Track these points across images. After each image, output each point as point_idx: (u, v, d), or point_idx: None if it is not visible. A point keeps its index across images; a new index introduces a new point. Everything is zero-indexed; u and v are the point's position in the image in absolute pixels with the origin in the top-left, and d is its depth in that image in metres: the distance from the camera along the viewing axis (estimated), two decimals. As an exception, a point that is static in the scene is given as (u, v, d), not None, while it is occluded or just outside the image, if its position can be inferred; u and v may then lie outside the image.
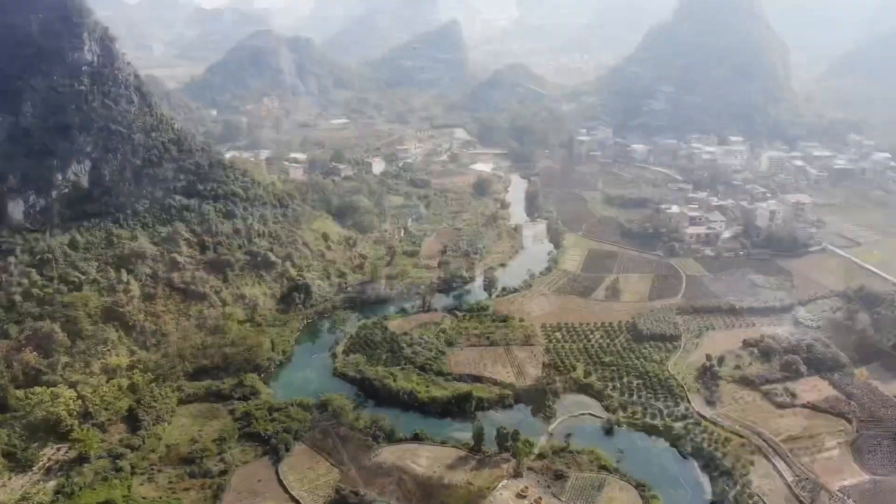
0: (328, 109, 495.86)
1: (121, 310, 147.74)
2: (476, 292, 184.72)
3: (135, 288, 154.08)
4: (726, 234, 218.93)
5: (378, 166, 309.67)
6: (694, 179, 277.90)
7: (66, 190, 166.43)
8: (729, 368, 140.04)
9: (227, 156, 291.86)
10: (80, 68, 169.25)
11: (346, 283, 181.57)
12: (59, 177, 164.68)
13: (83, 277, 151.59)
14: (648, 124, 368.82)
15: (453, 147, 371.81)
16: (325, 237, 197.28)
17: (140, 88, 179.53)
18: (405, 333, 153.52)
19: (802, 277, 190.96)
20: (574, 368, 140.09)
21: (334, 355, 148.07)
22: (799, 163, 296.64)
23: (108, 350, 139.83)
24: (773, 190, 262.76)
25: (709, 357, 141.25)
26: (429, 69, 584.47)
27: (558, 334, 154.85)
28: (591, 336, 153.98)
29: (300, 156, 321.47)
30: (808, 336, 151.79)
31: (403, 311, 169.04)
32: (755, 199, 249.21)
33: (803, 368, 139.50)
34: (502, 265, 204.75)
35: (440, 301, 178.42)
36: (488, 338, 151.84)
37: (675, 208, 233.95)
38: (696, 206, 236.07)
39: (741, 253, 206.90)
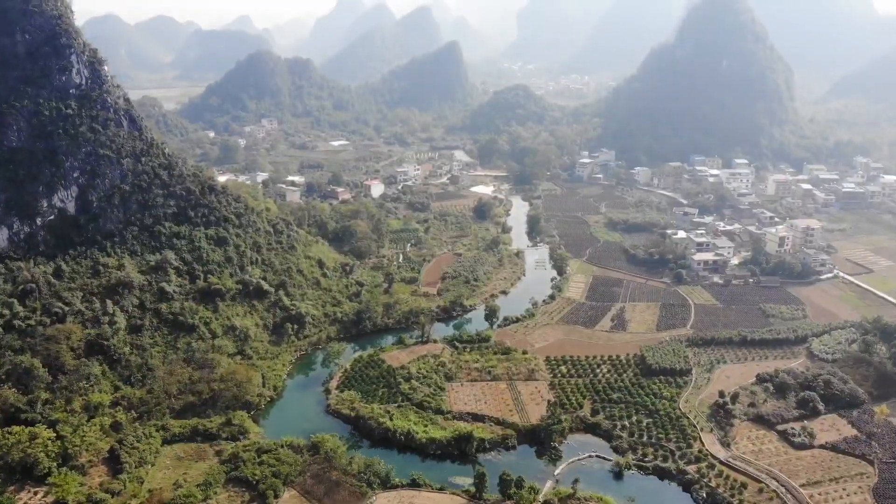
0: (327, 131, 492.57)
1: (105, 343, 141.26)
2: (477, 321, 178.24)
3: (121, 319, 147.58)
4: (734, 261, 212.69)
5: (377, 189, 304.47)
6: (699, 203, 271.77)
7: (52, 217, 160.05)
8: (743, 406, 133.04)
9: (222, 179, 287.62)
10: (67, 91, 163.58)
11: (341, 312, 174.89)
12: (45, 203, 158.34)
13: (67, 308, 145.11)
14: (651, 146, 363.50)
15: (453, 169, 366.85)
16: (321, 264, 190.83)
17: (130, 112, 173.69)
18: (402, 367, 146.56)
19: (814, 306, 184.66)
20: (581, 406, 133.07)
21: (328, 391, 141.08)
22: (806, 186, 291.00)
23: (91, 386, 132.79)
24: (780, 214, 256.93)
25: (721, 394, 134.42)
26: (429, 91, 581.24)
27: (563, 368, 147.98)
28: (598, 370, 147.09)
29: (297, 178, 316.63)
30: (825, 370, 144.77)
31: (401, 342, 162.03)
32: (763, 223, 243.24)
33: (821, 406, 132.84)
34: (504, 292, 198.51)
35: (439, 330, 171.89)
36: (490, 372, 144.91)
37: (681, 234, 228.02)
38: (703, 232, 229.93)
39: (751, 280, 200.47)
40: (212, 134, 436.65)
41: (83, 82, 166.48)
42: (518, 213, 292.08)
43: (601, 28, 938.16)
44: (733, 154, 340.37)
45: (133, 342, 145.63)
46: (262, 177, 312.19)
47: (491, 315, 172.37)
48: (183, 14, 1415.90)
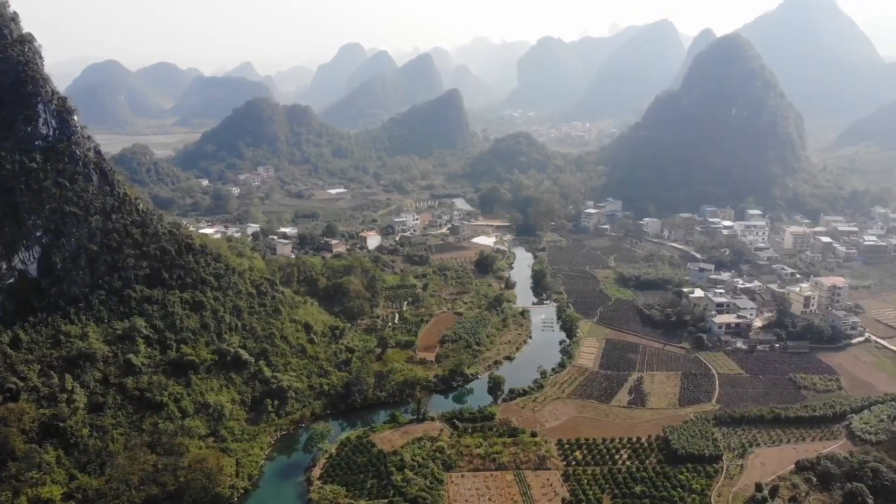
0: (325, 178, 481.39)
1: (61, 425, 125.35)
2: (479, 392, 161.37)
3: (80, 397, 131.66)
4: (757, 323, 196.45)
5: (373, 241, 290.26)
6: (715, 258, 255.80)
7: (12, 280, 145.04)
8: (783, 501, 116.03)
9: (211, 231, 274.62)
10: (32, 143, 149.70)
11: (328, 384, 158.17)
12: (4, 265, 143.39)
13: (21, 384, 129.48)
14: (659, 196, 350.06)
15: (454, 219, 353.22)
16: (308, 328, 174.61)
17: (101, 165, 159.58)
18: (394, 452, 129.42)
19: (848, 376, 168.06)
20: (599, 502, 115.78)
21: (309, 481, 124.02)
22: (825, 239, 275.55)
23: (43, 475, 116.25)
24: (801, 270, 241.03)
25: (759, 486, 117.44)
26: (429, 138, 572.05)
27: (578, 454, 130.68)
28: (617, 456, 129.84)
29: (290, 230, 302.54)
30: (870, 456, 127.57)
31: (394, 420, 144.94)
32: (784, 281, 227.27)
33: (870, 500, 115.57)
34: (508, 358, 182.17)
35: (438, 403, 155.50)
36: (494, 459, 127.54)
37: (698, 292, 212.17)
38: (722, 290, 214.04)
39: (777, 346, 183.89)
40: (205, 182, 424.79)
41: (50, 133, 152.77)
42: (521, 265, 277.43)
43: (601, 76, 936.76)
44: (746, 205, 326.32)
45: (93, 423, 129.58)
46: (252, 228, 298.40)
47: (495, 388, 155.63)
48: (186, 61, 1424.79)
